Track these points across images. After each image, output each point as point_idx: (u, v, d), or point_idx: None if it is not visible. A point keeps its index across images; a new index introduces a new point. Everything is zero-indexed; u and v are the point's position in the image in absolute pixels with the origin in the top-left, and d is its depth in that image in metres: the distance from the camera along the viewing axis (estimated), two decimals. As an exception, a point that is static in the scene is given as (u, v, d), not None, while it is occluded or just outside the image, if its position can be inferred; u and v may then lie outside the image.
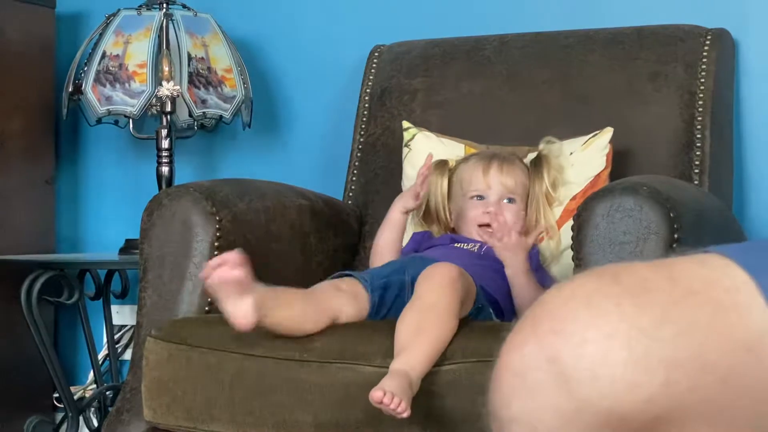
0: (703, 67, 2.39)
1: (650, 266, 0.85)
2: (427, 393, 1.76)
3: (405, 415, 1.67)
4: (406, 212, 2.23)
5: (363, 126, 2.62)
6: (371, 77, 2.66)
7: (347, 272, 2.07)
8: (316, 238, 2.35)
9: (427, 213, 2.30)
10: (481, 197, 2.22)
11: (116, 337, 2.99)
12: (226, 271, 1.75)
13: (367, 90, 2.65)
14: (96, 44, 2.74)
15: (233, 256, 1.76)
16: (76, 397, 2.81)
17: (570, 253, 2.18)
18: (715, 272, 0.83)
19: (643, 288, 0.82)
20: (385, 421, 1.74)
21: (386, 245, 2.21)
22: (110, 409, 2.85)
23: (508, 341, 0.85)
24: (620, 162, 2.31)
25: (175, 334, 1.96)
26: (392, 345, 1.80)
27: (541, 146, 2.30)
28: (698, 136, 2.35)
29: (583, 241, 1.85)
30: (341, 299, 1.93)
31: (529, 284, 2.10)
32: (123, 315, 3.02)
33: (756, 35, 2.53)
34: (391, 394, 1.66)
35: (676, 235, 1.81)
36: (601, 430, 0.78)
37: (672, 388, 0.78)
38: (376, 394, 1.66)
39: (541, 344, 0.81)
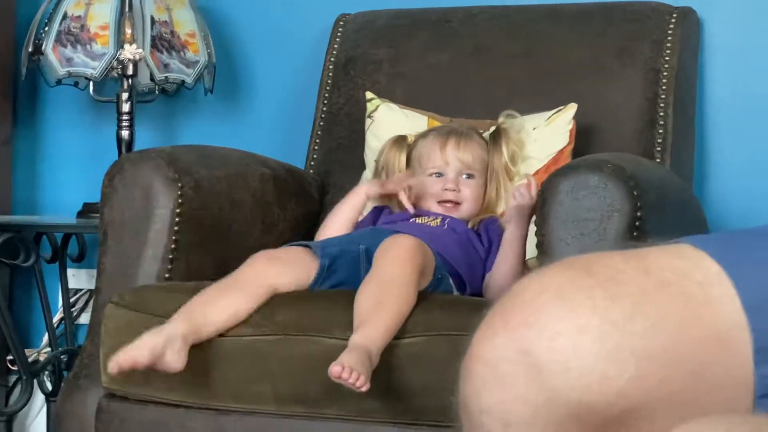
0: (668, 45, 2.40)
1: (623, 257, 0.85)
2: (386, 366, 1.76)
3: (364, 389, 1.67)
4: (368, 198, 2.22)
5: (326, 95, 2.61)
6: (336, 46, 2.64)
7: (297, 242, 2.06)
8: (278, 207, 2.34)
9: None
10: (439, 174, 2.22)
11: (71, 300, 2.96)
12: (131, 366, 1.75)
13: (332, 59, 2.63)
14: (57, 4, 2.70)
15: (116, 365, 1.76)
16: (30, 360, 2.79)
17: (532, 229, 2.19)
18: (688, 264, 0.83)
19: (615, 280, 0.82)
20: (346, 394, 1.74)
21: (340, 223, 2.19)
22: (65, 372, 2.83)
23: (479, 332, 0.85)
24: (583, 138, 2.31)
25: (135, 302, 1.95)
26: (351, 317, 1.80)
27: (501, 119, 2.30)
28: (661, 114, 2.35)
29: (547, 218, 1.85)
30: (275, 269, 1.91)
31: (521, 255, 2.09)
32: (79, 279, 3.00)
33: (721, 14, 2.54)
34: (350, 369, 1.66)
35: (639, 213, 1.81)
36: (571, 422, 0.78)
37: (643, 380, 0.78)
38: (335, 369, 1.66)
39: (513, 336, 0.81)
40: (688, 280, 0.82)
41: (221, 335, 1.85)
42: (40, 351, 2.95)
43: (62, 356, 2.84)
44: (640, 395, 0.78)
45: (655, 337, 0.79)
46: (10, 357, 2.89)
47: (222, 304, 1.85)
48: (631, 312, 0.80)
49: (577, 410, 0.78)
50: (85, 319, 3.00)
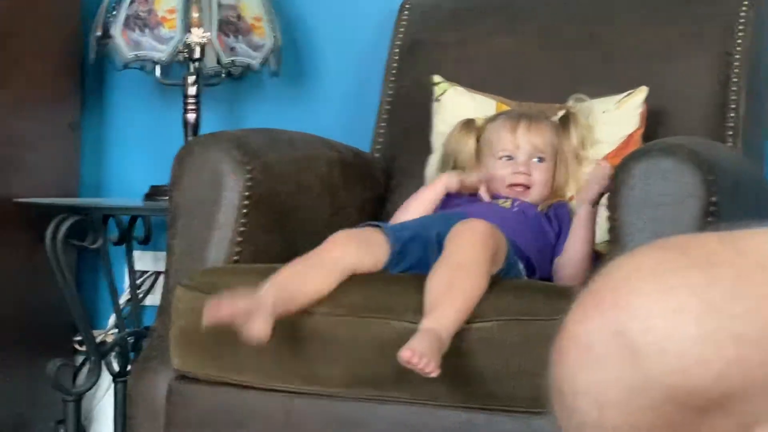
0: (741, 27, 2.37)
1: (719, 238, 0.84)
2: (457, 351, 1.75)
3: (434, 374, 1.67)
4: (447, 191, 2.21)
5: (392, 79, 2.60)
6: (401, 30, 2.63)
7: (371, 222, 2.06)
8: (345, 191, 2.34)
9: (455, 170, 2.28)
10: (510, 157, 2.21)
11: (137, 282, 2.98)
12: (221, 313, 1.75)
13: (397, 43, 2.63)
14: (125, -12, 2.71)
15: (217, 304, 1.75)
16: (97, 341, 2.81)
17: (600, 213, 2.17)
18: None
19: (711, 261, 0.81)
20: (414, 377, 1.74)
21: (416, 213, 2.18)
22: (132, 354, 2.86)
23: (572, 313, 0.84)
24: (653, 122, 2.29)
25: (204, 284, 1.96)
26: (422, 300, 1.79)
27: (570, 103, 2.28)
28: (733, 97, 2.32)
29: (619, 202, 1.83)
30: (357, 251, 1.91)
31: (591, 239, 2.08)
32: (144, 261, 3.02)
33: (794, -3, 2.50)
34: (420, 354, 1.66)
35: (713, 198, 1.79)
36: (667, 405, 0.77)
37: (742, 363, 0.77)
38: (404, 354, 1.66)
39: (607, 317, 0.80)
40: None
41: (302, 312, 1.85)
42: (107, 332, 2.98)
43: (129, 338, 2.86)
44: (739, 378, 0.76)
45: (754, 319, 0.78)
46: (77, 338, 2.92)
47: (309, 280, 1.85)
48: (729, 293, 0.79)
49: (673, 394, 0.77)
50: (150, 300, 3.03)
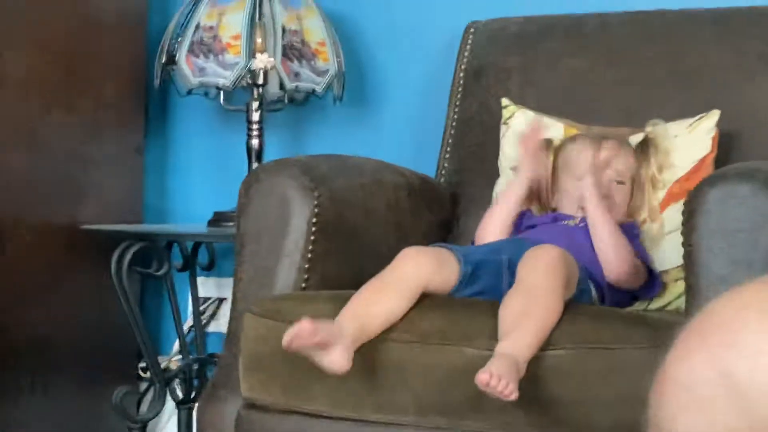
0: (812, 48, 2.33)
1: None
2: (531, 378, 1.73)
3: (513, 397, 1.64)
4: (521, 194, 2.19)
5: (458, 103, 2.59)
6: (466, 54, 2.62)
7: (442, 244, 2.05)
8: (411, 216, 2.33)
9: (530, 192, 2.26)
10: None
11: (200, 309, 2.98)
12: (304, 339, 1.72)
13: (462, 66, 2.61)
14: (190, 15, 2.72)
15: (306, 326, 1.72)
16: (161, 368, 2.81)
17: (672, 238, 2.15)
18: None
19: None
20: (488, 405, 1.72)
21: (497, 228, 2.16)
22: (195, 381, 2.86)
23: (673, 351, 0.81)
24: (725, 145, 2.25)
25: (274, 311, 1.95)
26: (495, 326, 1.77)
27: (648, 129, 2.26)
28: (808, 120, 2.29)
29: (694, 228, 1.80)
30: (428, 268, 1.89)
31: (611, 222, 2.09)
32: (207, 287, 3.02)
33: None
34: (498, 376, 1.64)
35: (792, 224, 1.76)
36: (774, 449, 0.75)
37: None
38: (482, 377, 1.64)
39: (712, 356, 0.77)
40: None
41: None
42: (171, 359, 2.98)
43: (193, 364, 2.86)
44: None
45: None
46: (141, 364, 2.93)
47: (383, 304, 1.83)
48: None
49: None
50: (213, 327, 3.02)
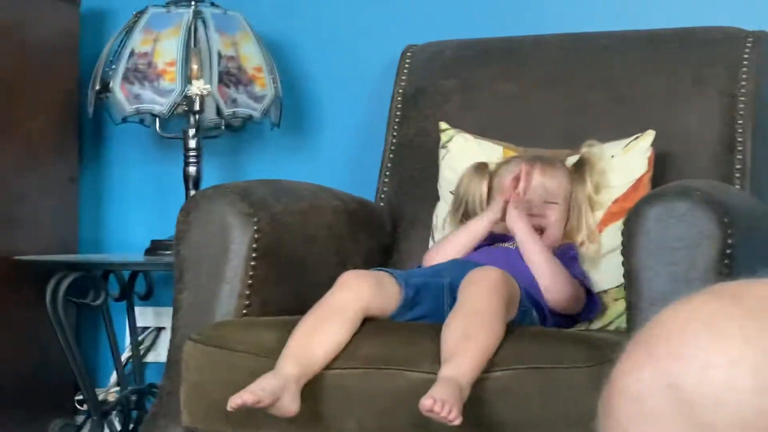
0: (744, 69, 2.36)
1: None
2: (476, 400, 1.72)
3: (457, 422, 1.63)
4: (491, 225, 2.17)
5: (396, 127, 2.59)
6: (404, 77, 2.62)
7: (382, 268, 2.04)
8: (351, 241, 2.32)
9: (465, 216, 2.26)
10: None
11: (138, 339, 2.95)
12: (249, 406, 1.71)
13: (400, 90, 2.61)
14: (124, 42, 2.70)
15: (249, 399, 1.70)
16: (98, 400, 2.77)
17: (611, 258, 2.16)
18: None
19: (764, 309, 0.79)
20: (432, 429, 1.71)
21: (456, 248, 2.15)
22: (133, 412, 2.82)
23: (621, 364, 0.81)
24: (661, 165, 2.28)
25: (215, 338, 1.93)
26: (438, 350, 1.77)
27: (584, 149, 2.27)
28: (740, 139, 2.32)
29: (634, 247, 1.81)
30: (368, 291, 1.88)
31: (542, 248, 2.09)
32: (145, 317, 2.99)
33: (796, 37, 2.50)
34: (441, 401, 1.63)
35: (729, 241, 1.77)
36: (722, 460, 0.75)
37: None
38: (426, 402, 1.63)
39: (660, 369, 0.77)
40: None
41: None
42: (109, 390, 2.94)
43: (131, 395, 2.82)
44: None
45: None
46: (78, 397, 2.88)
47: (324, 337, 1.82)
48: None
49: None
50: (152, 357, 2.99)
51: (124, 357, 2.91)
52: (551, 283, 2.06)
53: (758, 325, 0.77)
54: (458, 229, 2.21)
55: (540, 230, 2.16)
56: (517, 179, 2.15)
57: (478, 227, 2.16)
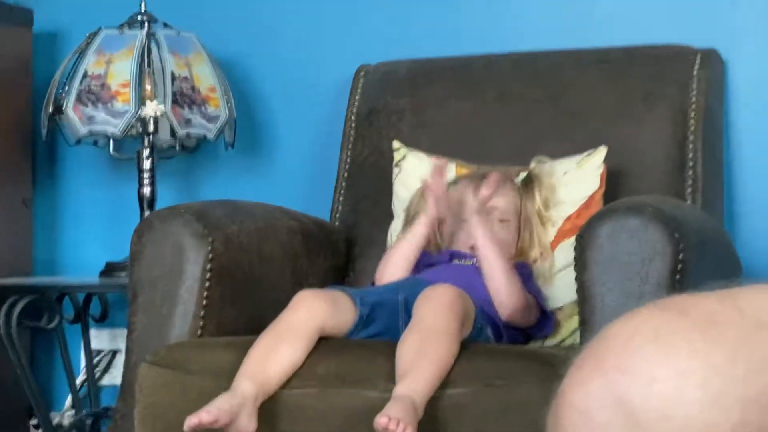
0: (694, 86, 2.39)
1: (717, 297, 0.82)
2: (431, 418, 1.73)
3: (411, 440, 1.64)
4: (426, 231, 2.17)
5: (350, 146, 2.59)
6: (357, 97, 2.63)
7: (337, 287, 2.05)
8: (306, 260, 2.32)
9: (419, 235, 2.27)
10: None
11: (93, 362, 2.93)
12: (206, 426, 1.71)
13: (353, 110, 2.62)
14: (77, 63, 2.69)
15: (205, 419, 1.70)
16: (53, 424, 2.75)
17: (564, 274, 2.17)
18: None
19: (711, 322, 0.79)
20: (389, 447, 1.71)
21: (399, 263, 2.15)
22: (90, 435, 2.80)
23: (569, 377, 0.82)
24: (613, 181, 2.30)
25: (170, 360, 1.92)
26: (393, 368, 1.77)
27: (532, 165, 2.29)
28: (690, 155, 2.34)
29: (587, 263, 1.82)
30: (323, 310, 1.88)
31: (500, 258, 2.09)
32: (101, 339, 2.97)
33: (744, 55, 2.54)
34: (396, 420, 1.63)
35: (681, 256, 1.79)
36: (670, 472, 0.75)
37: (747, 427, 0.75)
38: (381, 421, 1.63)
39: (607, 382, 0.78)
40: None
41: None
42: (64, 414, 2.92)
43: (86, 419, 2.80)
44: None
45: (757, 380, 0.77)
46: (33, 421, 2.86)
47: (280, 356, 1.82)
48: (731, 355, 0.77)
49: None
50: (108, 380, 2.97)
51: (79, 380, 2.89)
52: (506, 293, 2.06)
53: (705, 337, 0.78)
54: (397, 242, 2.21)
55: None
56: (439, 173, 2.15)
57: (416, 231, 2.17)
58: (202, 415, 1.70)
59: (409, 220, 2.29)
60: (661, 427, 0.75)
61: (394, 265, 2.15)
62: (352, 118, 2.61)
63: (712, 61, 2.45)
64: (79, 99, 2.65)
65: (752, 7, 2.54)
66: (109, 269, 2.72)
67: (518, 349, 1.93)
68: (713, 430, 0.75)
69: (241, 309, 2.13)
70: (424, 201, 2.22)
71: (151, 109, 2.60)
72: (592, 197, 2.25)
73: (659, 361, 0.77)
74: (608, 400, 0.78)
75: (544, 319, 2.15)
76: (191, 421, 1.70)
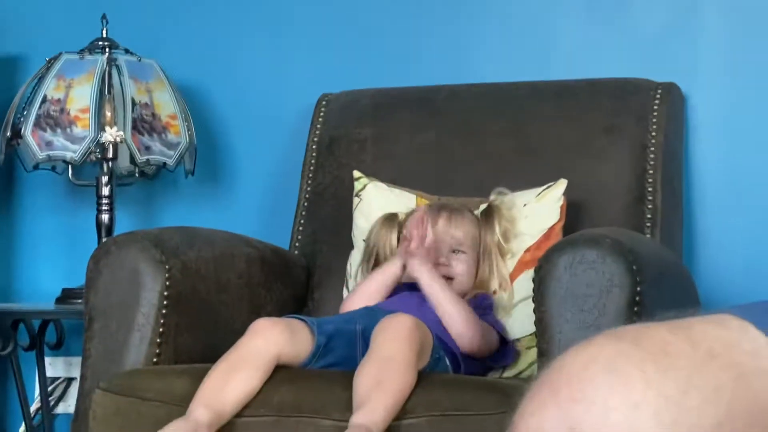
0: (654, 120, 2.40)
1: (669, 328, 0.82)
2: (388, 448, 1.72)
3: (367, 470, 1.63)
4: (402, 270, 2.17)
5: (310, 175, 2.59)
6: (318, 126, 2.63)
7: (295, 315, 2.03)
8: (264, 289, 2.30)
9: (377, 265, 2.26)
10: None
11: (48, 389, 2.89)
12: None
13: (315, 139, 2.62)
14: (36, 88, 2.67)
15: None
16: (6, 452, 2.72)
17: (523, 306, 2.17)
18: (734, 335, 0.81)
19: (665, 352, 0.79)
20: (344, 478, 1.70)
21: (369, 294, 2.15)
22: (43, 464, 2.76)
23: (523, 406, 0.81)
24: (573, 214, 2.30)
25: (124, 387, 1.90)
26: (350, 397, 1.76)
27: (492, 197, 2.29)
28: (650, 189, 2.35)
29: (545, 294, 1.82)
30: (279, 337, 1.87)
31: (449, 293, 2.09)
32: (56, 367, 2.94)
33: (704, 88, 2.55)
34: (352, 450, 1.62)
35: (639, 288, 1.79)
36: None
37: None
38: (337, 451, 1.62)
39: (561, 412, 0.77)
40: (736, 351, 0.80)
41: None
42: (17, 442, 2.88)
43: (40, 447, 2.76)
44: None
45: (709, 411, 0.76)
46: (-15, 449, 2.82)
47: (236, 384, 1.80)
48: (684, 386, 0.77)
49: None
50: (62, 408, 2.94)
51: (33, 408, 2.85)
52: (461, 326, 2.06)
53: (659, 367, 0.78)
54: (370, 276, 2.21)
55: (448, 280, 2.17)
56: (422, 222, 2.15)
57: (389, 272, 2.17)
58: None
59: (368, 253, 2.28)
60: (614, 456, 0.75)
61: (363, 299, 2.13)
62: (313, 146, 2.61)
63: (672, 95, 2.46)
64: (37, 123, 2.63)
65: (712, 42, 2.56)
66: (66, 296, 2.69)
67: (475, 380, 1.93)
68: (667, 460, 0.75)
69: (198, 336, 2.12)
70: (390, 241, 2.23)
71: (111, 135, 2.58)
72: (551, 229, 2.25)
73: (613, 391, 0.77)
74: (562, 430, 0.77)
75: (504, 350, 2.15)
76: None
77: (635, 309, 1.79)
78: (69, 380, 2.94)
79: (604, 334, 0.83)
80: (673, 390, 0.77)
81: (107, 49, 2.69)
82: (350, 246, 2.41)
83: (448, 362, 2.01)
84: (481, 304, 2.16)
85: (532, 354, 2.12)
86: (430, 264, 2.12)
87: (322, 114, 2.64)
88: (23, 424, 2.83)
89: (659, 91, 2.44)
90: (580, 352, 0.81)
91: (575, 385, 0.78)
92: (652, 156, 2.37)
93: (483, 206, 2.28)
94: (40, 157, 2.64)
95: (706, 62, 2.56)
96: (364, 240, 2.34)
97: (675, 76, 2.51)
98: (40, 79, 2.68)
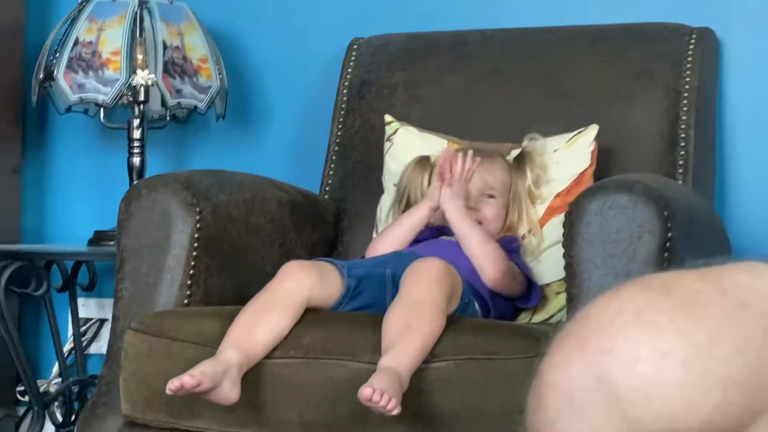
0: (688, 65, 2.38)
1: (700, 276, 0.81)
2: (415, 390, 1.73)
3: (395, 412, 1.64)
4: (431, 212, 2.16)
5: (341, 119, 2.58)
6: (350, 70, 2.62)
7: (325, 258, 2.04)
8: (295, 233, 2.31)
9: (408, 208, 2.26)
10: None
11: (81, 330, 2.92)
12: (188, 389, 1.71)
13: (346, 83, 2.61)
14: (68, 30, 2.67)
15: (188, 382, 1.70)
16: (40, 391, 2.74)
17: (553, 251, 2.17)
18: (765, 283, 0.80)
19: (695, 301, 0.78)
20: (372, 419, 1.71)
21: (397, 238, 2.14)
22: (75, 404, 2.79)
23: (550, 357, 0.80)
24: (604, 160, 2.29)
25: (155, 327, 1.92)
26: (379, 340, 1.77)
27: (525, 143, 2.28)
28: (682, 135, 2.33)
29: (575, 239, 1.82)
30: (310, 281, 1.88)
31: (477, 228, 2.09)
32: (89, 308, 2.96)
33: (739, 34, 2.52)
34: (380, 391, 1.63)
35: (669, 234, 1.79)
36: (650, 453, 0.75)
37: (729, 407, 0.74)
38: (365, 392, 1.63)
39: (589, 363, 0.77)
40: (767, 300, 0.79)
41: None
42: (50, 382, 2.91)
43: (73, 387, 2.79)
44: (725, 423, 0.74)
45: (739, 361, 0.76)
46: (20, 388, 2.85)
47: (266, 326, 1.82)
48: (714, 335, 0.76)
49: None
50: (95, 348, 2.97)
51: (66, 348, 2.89)
52: (487, 262, 2.06)
53: (688, 316, 0.77)
54: (398, 219, 2.21)
55: (477, 223, 2.16)
56: (450, 162, 2.15)
57: (417, 215, 2.17)
58: (185, 378, 1.70)
59: (400, 195, 2.28)
60: (642, 406, 0.75)
61: (391, 242, 2.14)
62: (344, 91, 2.60)
63: (707, 40, 2.44)
64: (70, 66, 2.63)
65: (748, -13, 2.53)
66: (98, 238, 2.71)
67: (503, 324, 1.93)
68: (694, 410, 0.74)
69: (228, 279, 2.13)
70: (422, 183, 2.22)
71: (142, 78, 2.58)
72: (582, 175, 2.24)
73: (642, 341, 0.76)
74: (590, 381, 0.77)
75: (530, 290, 2.14)
76: (173, 384, 1.70)
77: (665, 255, 1.78)
78: (101, 321, 2.97)
79: (633, 282, 0.82)
80: (703, 340, 0.76)
81: (139, -8, 2.69)
82: (380, 190, 2.41)
83: (477, 306, 2.01)
84: (508, 246, 2.16)
85: (560, 300, 2.12)
86: (461, 200, 2.12)
87: (353, 58, 2.63)
88: (57, 364, 2.87)
89: (694, 36, 2.41)
90: (608, 301, 0.81)
91: (604, 335, 0.78)
92: (685, 101, 2.35)
93: (515, 152, 2.27)
94: (73, 100, 2.64)
95: (742, 7, 2.53)
96: (394, 184, 2.34)
97: (710, 22, 2.48)
98: (72, 21, 2.68)
